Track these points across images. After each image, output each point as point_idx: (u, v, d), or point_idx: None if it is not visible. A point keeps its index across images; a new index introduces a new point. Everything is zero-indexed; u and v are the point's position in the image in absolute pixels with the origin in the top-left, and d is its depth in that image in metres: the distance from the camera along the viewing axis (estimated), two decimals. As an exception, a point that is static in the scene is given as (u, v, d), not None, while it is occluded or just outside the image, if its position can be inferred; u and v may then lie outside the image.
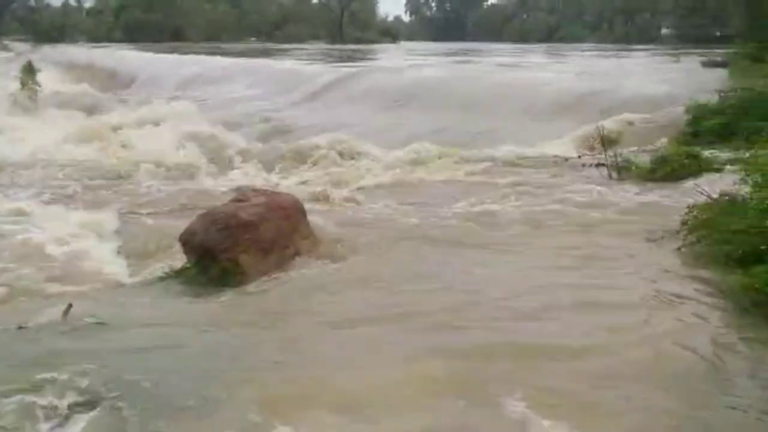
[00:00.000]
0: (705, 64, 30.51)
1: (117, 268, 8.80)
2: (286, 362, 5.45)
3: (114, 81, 39.54)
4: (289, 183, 14.10)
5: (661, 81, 23.66)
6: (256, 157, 16.63)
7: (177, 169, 15.18)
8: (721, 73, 23.28)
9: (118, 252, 9.38)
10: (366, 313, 6.65)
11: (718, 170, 12.12)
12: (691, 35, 67.69)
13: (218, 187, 13.43)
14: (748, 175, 8.11)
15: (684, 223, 8.60)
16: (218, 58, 42.04)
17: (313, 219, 9.05)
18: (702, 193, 9.03)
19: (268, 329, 6.35)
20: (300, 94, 27.24)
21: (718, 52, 33.50)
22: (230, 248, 7.87)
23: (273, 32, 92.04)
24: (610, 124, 16.23)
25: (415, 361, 5.40)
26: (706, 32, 66.39)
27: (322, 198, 11.70)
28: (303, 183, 14.03)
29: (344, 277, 7.80)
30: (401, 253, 8.62)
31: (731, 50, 31.52)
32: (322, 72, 31.33)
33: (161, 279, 8.11)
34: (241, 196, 8.85)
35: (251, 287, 7.56)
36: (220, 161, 16.40)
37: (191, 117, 21.45)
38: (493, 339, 5.95)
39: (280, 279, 7.79)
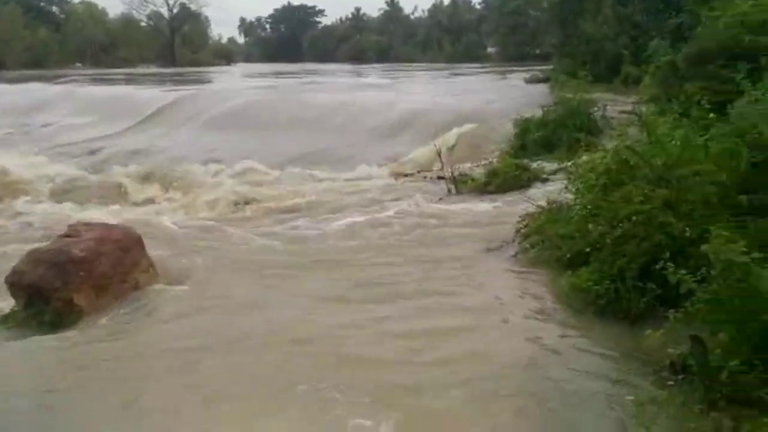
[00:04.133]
0: (528, 81, 32.67)
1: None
2: (122, 420, 5.17)
3: None
4: (124, 213, 13.35)
5: (489, 97, 25.02)
6: (85, 188, 15.58)
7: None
8: (543, 89, 24.99)
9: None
10: (203, 349, 6.39)
11: (546, 180, 12.99)
12: (514, 53, 72.33)
13: (46, 222, 12.44)
14: (571, 184, 8.75)
15: (518, 231, 9.14)
16: (39, 85, 39.39)
17: (152, 249, 8.66)
18: (532, 203, 9.63)
19: (101, 380, 5.88)
20: (129, 120, 26.01)
21: (540, 69, 35.97)
22: (63, 287, 7.36)
23: (100, 57, 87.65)
24: (446, 140, 16.88)
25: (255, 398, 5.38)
26: (526, 50, 71.22)
27: (160, 227, 11.23)
28: (139, 212, 13.34)
29: (183, 310, 7.48)
30: (239, 282, 8.37)
31: (550, 67, 34.00)
32: (153, 97, 30.22)
33: (-16, 326, 7.40)
34: (72, 231, 8.28)
35: (87, 327, 7.09)
36: (40, 193, 15.13)
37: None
38: (332, 351, 6.12)
39: (118, 316, 7.38)
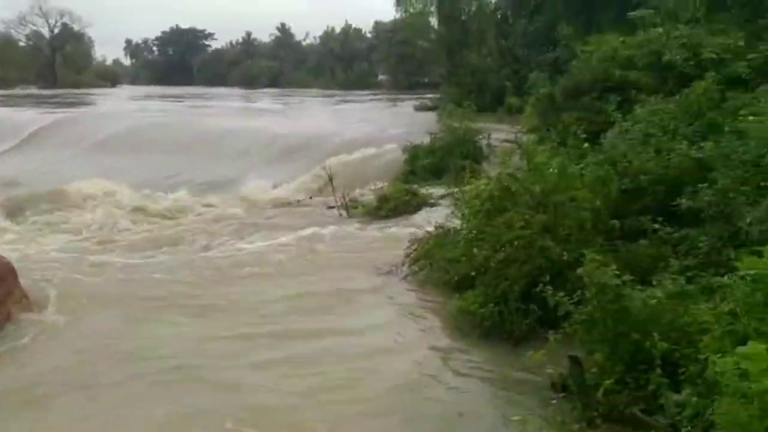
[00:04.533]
0: (417, 108, 33.44)
1: None
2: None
3: None
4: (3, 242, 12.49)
5: (380, 124, 25.36)
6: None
7: None
8: (431, 117, 25.61)
9: None
10: (64, 384, 6.11)
11: (434, 205, 13.26)
12: (404, 82, 73.81)
13: None
14: (457, 209, 8.98)
15: (407, 255, 9.27)
16: None
17: (26, 278, 8.17)
18: (421, 227, 9.80)
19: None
20: (8, 144, 24.55)
21: (428, 97, 36.87)
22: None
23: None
24: (336, 166, 16.90)
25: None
26: (416, 79, 72.88)
27: (34, 255, 10.59)
28: (10, 240, 12.49)
29: (50, 344, 7.11)
30: (111, 313, 8.00)
31: (438, 95, 34.94)
32: (30, 119, 28.67)
33: None
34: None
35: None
36: None
37: None
38: (201, 377, 6.06)
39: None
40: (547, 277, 6.13)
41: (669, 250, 6.64)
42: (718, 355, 4.36)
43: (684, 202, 6.83)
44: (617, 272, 5.20)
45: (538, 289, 5.87)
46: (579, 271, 5.42)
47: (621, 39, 13.79)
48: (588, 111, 12.56)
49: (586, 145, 8.48)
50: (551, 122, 13.50)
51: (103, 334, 7.30)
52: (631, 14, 15.05)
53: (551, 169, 7.73)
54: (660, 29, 12.20)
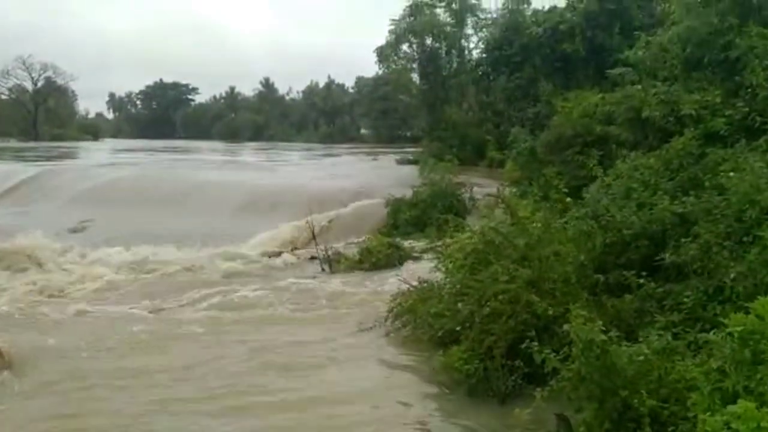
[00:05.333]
0: (399, 162, 33.72)
1: None
2: None
3: None
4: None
5: (362, 178, 25.47)
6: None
7: None
8: (413, 170, 25.75)
9: None
10: None
11: (417, 258, 13.21)
12: (386, 135, 74.73)
13: None
14: (440, 263, 8.91)
15: (390, 310, 9.13)
16: None
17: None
18: (403, 282, 9.70)
19: None
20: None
21: (409, 151, 37.22)
22: None
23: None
24: (318, 219, 16.87)
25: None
26: (397, 132, 73.83)
27: (7, 309, 10.37)
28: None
29: (24, 405, 6.83)
30: (89, 368, 7.78)
31: (419, 149, 35.30)
32: (13, 171, 28.49)
33: None
34: None
35: None
36: None
37: None
38: None
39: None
40: (533, 333, 6.06)
41: (654, 305, 6.61)
42: (708, 414, 4.29)
43: (668, 256, 6.84)
44: (603, 328, 5.14)
45: (524, 345, 5.78)
46: (565, 326, 5.35)
47: (600, 95, 14.06)
48: (569, 165, 12.72)
49: (568, 199, 8.52)
50: (533, 176, 13.63)
51: (79, 392, 7.08)
52: (610, 71, 15.41)
53: (535, 223, 7.73)
54: (639, 86, 12.44)
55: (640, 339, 5.42)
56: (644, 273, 6.80)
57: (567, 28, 24.75)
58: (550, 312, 6.54)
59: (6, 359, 7.74)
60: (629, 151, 10.43)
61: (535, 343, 5.54)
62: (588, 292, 6.97)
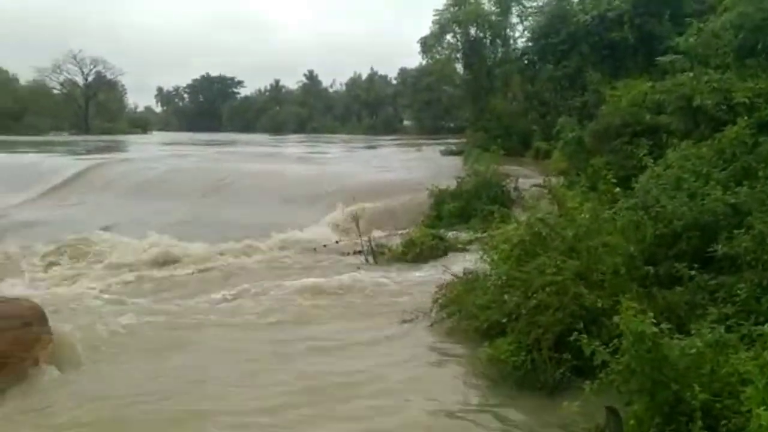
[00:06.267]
0: (443, 153, 33.60)
1: None
2: None
3: None
4: (28, 286, 12.58)
5: (406, 168, 25.46)
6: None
7: None
8: (457, 161, 25.66)
9: None
10: None
11: (462, 250, 13.14)
12: (429, 126, 74.52)
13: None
14: (486, 254, 8.86)
15: (435, 301, 9.12)
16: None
17: (55, 323, 8.16)
18: (448, 273, 9.68)
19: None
20: (38, 189, 25.01)
21: (453, 142, 37.00)
22: (-46, 366, 6.84)
23: (9, 124, 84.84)
24: (362, 211, 16.91)
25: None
26: (441, 123, 73.58)
27: (65, 300, 10.65)
28: (45, 285, 12.60)
29: (79, 390, 7.07)
30: (141, 363, 7.93)
31: (464, 140, 35.10)
32: (65, 165, 29.27)
33: None
34: (-33, 306, 7.77)
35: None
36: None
37: None
38: None
39: (14, 396, 6.86)
40: (581, 325, 5.98)
41: (706, 298, 6.48)
42: (762, 408, 4.21)
43: (720, 248, 6.69)
44: (655, 320, 5.05)
45: (572, 338, 5.71)
46: (615, 319, 5.27)
47: (650, 84, 13.76)
48: (618, 155, 12.49)
49: (617, 189, 8.37)
50: (580, 166, 13.42)
51: (130, 390, 7.15)
52: (660, 59, 15.06)
53: (583, 214, 7.63)
54: (690, 74, 12.13)
55: (692, 332, 5.32)
56: (696, 265, 6.67)
57: (615, 15, 24.26)
58: (599, 304, 6.45)
59: (60, 350, 7.96)
60: (680, 140, 10.20)
61: (584, 336, 5.47)
62: (638, 284, 6.85)
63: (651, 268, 7.01)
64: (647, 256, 7.23)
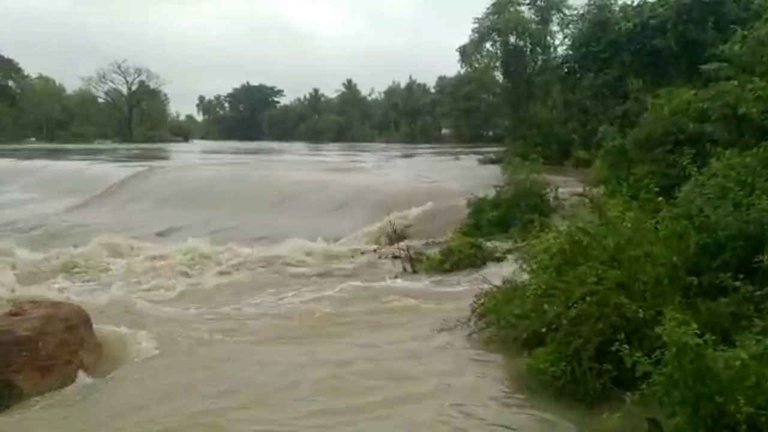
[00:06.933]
0: (481, 162, 33.47)
1: None
2: None
3: None
4: (73, 291, 12.89)
5: (444, 177, 25.42)
6: (31, 265, 14.96)
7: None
8: (495, 170, 25.52)
9: None
10: None
11: (500, 259, 13.06)
12: (468, 135, 74.29)
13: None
14: (525, 263, 8.81)
15: (473, 310, 9.09)
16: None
17: (101, 327, 8.38)
18: (487, 282, 9.64)
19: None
20: (84, 196, 25.64)
21: (492, 150, 36.80)
22: (3, 369, 7.04)
23: (56, 132, 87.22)
24: (401, 219, 16.97)
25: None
26: (480, 132, 73.33)
27: (110, 304, 10.88)
28: (88, 290, 12.90)
29: (120, 400, 7.13)
30: (185, 368, 8.05)
31: (502, 149, 34.90)
32: (109, 172, 29.92)
33: None
34: (17, 309, 8.01)
35: (27, 411, 6.75)
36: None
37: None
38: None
39: (60, 400, 7.05)
40: (623, 335, 5.91)
41: (751, 309, 6.33)
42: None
43: (766, 259, 6.55)
44: (698, 332, 4.98)
45: (613, 348, 5.65)
46: (657, 329, 5.21)
47: (693, 92, 13.54)
48: (660, 164, 12.32)
49: (660, 198, 8.25)
50: (622, 175, 13.25)
51: (173, 395, 7.28)
52: (704, 67, 14.80)
53: (624, 224, 7.54)
54: (734, 82, 11.92)
55: (737, 343, 5.22)
56: (740, 275, 6.54)
57: (658, 22, 23.94)
58: (641, 314, 6.37)
59: (105, 353, 8.15)
60: (724, 149, 10.01)
61: (626, 346, 5.41)
62: (680, 295, 6.74)
63: (694, 279, 6.89)
64: (690, 267, 7.10)
